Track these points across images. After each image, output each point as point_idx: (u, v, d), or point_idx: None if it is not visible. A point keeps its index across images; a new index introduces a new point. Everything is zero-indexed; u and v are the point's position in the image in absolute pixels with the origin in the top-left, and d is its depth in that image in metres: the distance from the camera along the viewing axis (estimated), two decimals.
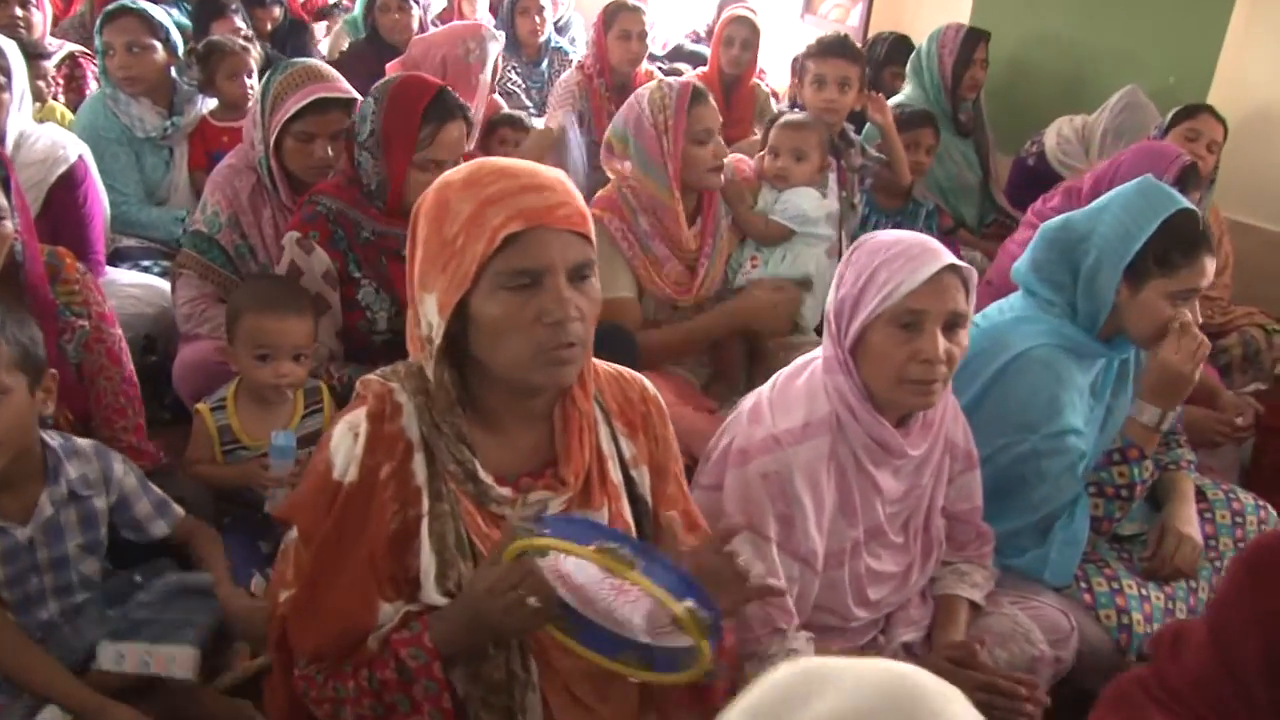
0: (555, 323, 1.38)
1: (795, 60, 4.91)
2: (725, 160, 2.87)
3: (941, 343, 1.80)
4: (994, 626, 2.09)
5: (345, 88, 2.74)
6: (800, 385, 1.94)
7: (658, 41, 5.72)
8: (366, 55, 4.61)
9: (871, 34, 5.73)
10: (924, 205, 3.91)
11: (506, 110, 4.23)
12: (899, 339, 1.81)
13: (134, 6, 3.47)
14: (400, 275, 2.41)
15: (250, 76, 3.62)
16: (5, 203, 1.93)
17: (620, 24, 4.32)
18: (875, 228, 3.81)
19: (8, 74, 2.83)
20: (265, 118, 2.71)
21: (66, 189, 2.95)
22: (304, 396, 2.31)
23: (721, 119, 2.87)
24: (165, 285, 3.08)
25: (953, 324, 1.82)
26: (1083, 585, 2.25)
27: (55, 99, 3.89)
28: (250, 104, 3.61)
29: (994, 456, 2.21)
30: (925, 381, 1.81)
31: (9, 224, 1.93)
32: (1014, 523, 2.24)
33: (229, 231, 2.76)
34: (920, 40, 4.82)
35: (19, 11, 3.96)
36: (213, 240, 2.76)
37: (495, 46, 3.54)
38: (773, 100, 4.96)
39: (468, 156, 3.53)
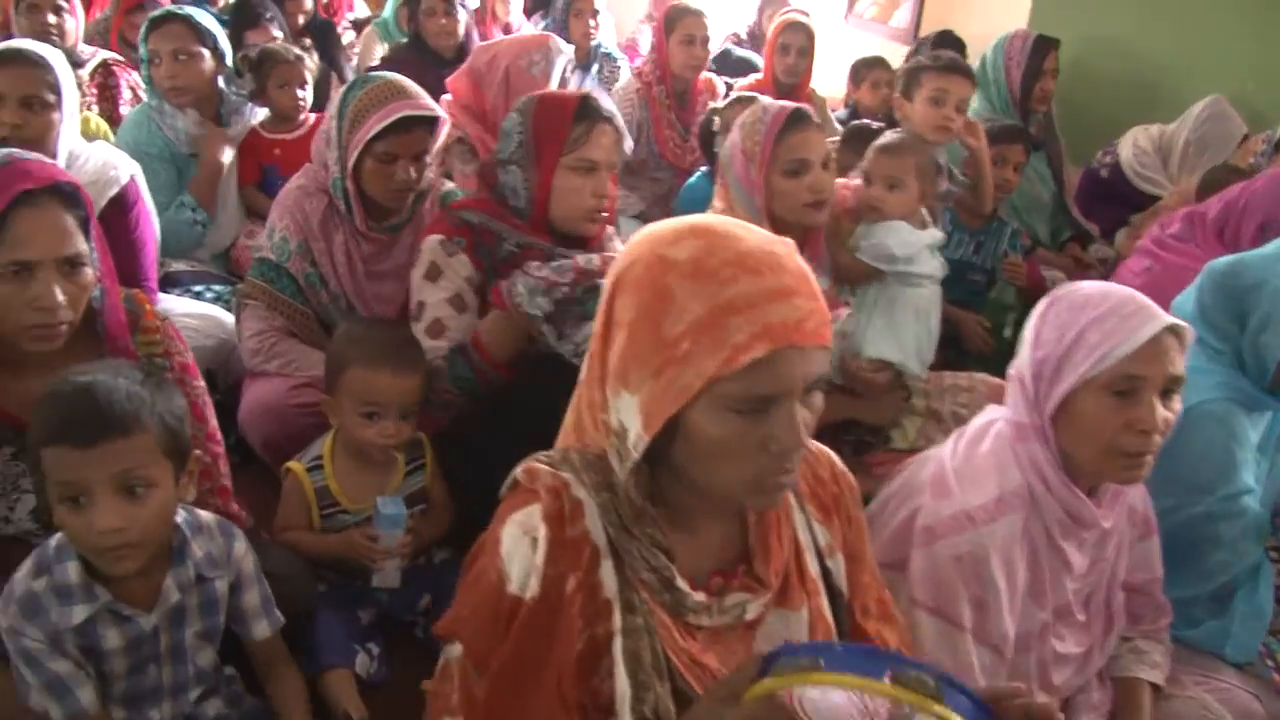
0: (782, 451, 1.18)
1: (855, 68, 4.73)
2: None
3: (1160, 411, 1.60)
4: (1181, 712, 1.89)
5: (430, 104, 2.52)
6: (987, 453, 1.73)
7: (611, 32, 5.54)
8: (410, 61, 4.36)
9: (920, 36, 5.55)
10: (1008, 224, 3.69)
11: None
12: (1111, 406, 1.61)
13: (180, 13, 3.24)
14: None
15: (303, 88, 3.39)
16: (85, 248, 1.70)
17: (683, 29, 4.10)
18: (959, 248, 3.61)
19: (57, 90, 2.59)
20: (343, 137, 2.48)
21: (118, 213, 2.72)
22: (405, 451, 2.08)
23: (827, 148, 2.64)
24: (223, 314, 2.86)
25: (1169, 389, 1.62)
26: (1269, 663, 2.04)
27: (89, 109, 3.65)
28: (301, 115, 3.41)
29: (1163, 519, 1.99)
30: (1138, 454, 1.62)
31: (90, 272, 1.71)
32: (1187, 591, 2.04)
33: (299, 259, 2.54)
34: (974, 44, 4.63)
35: (51, 18, 3.72)
36: (281, 269, 2.54)
37: (561, 59, 3.31)
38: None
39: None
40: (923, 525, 1.69)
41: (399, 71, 4.26)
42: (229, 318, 2.84)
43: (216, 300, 3.06)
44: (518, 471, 1.31)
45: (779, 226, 2.59)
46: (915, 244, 2.84)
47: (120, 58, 4.07)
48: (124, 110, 3.95)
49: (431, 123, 2.51)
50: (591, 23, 4.82)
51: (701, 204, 3.80)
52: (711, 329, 1.14)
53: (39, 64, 2.55)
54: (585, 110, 2.28)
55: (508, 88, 3.29)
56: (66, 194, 1.68)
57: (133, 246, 2.76)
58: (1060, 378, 1.63)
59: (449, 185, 2.78)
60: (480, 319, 2.29)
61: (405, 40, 4.75)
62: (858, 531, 1.47)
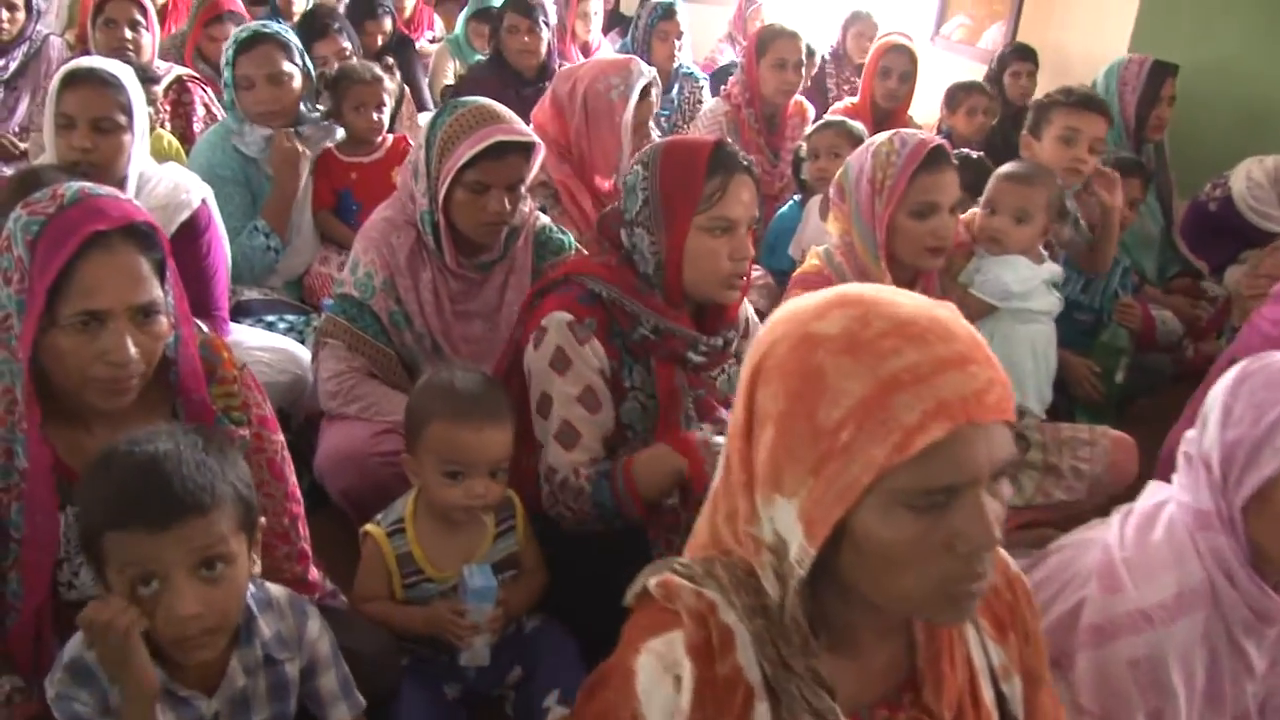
0: (972, 552, 0.99)
1: (951, 92, 4.52)
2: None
3: None
4: None
5: (524, 130, 2.36)
6: (1161, 542, 1.53)
7: (688, 51, 5.39)
8: (490, 81, 4.24)
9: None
10: (1119, 262, 3.46)
11: None
12: None
13: (268, 32, 3.12)
14: (669, 380, 2.02)
15: (381, 110, 3.25)
16: (160, 294, 1.55)
17: (775, 52, 3.92)
18: (1065, 285, 3.37)
19: (128, 111, 2.48)
20: (432, 166, 2.33)
21: (188, 239, 2.60)
22: (494, 511, 1.91)
23: (959, 192, 2.44)
24: (297, 348, 2.72)
25: None
26: None
27: (162, 126, 3.55)
28: (384, 140, 3.27)
29: None
30: None
31: (165, 320, 1.56)
32: None
33: (383, 296, 2.38)
34: (1077, 65, 4.40)
35: (128, 33, 3.64)
36: (364, 306, 2.38)
37: (641, 81, 3.13)
38: None
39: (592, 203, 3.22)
40: (1091, 623, 1.49)
41: (478, 92, 4.17)
42: (303, 352, 2.70)
43: (289, 331, 2.92)
44: (650, 582, 1.12)
45: (892, 265, 2.42)
46: (1033, 279, 2.67)
47: (195, 74, 3.98)
48: (198, 128, 3.85)
49: (527, 150, 2.35)
50: (676, 43, 4.66)
51: (790, 231, 3.64)
52: (876, 410, 0.95)
53: (110, 83, 2.43)
54: (719, 160, 1.94)
55: (587, 113, 3.15)
56: (142, 235, 1.53)
57: (203, 274, 2.63)
58: (1257, 464, 1.43)
59: (543, 219, 2.61)
60: (613, 411, 2.02)
61: (482, 58, 4.60)
62: (1036, 649, 1.25)
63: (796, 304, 1.08)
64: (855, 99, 4.43)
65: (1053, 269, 2.75)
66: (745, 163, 1.99)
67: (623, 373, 2.02)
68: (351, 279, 2.41)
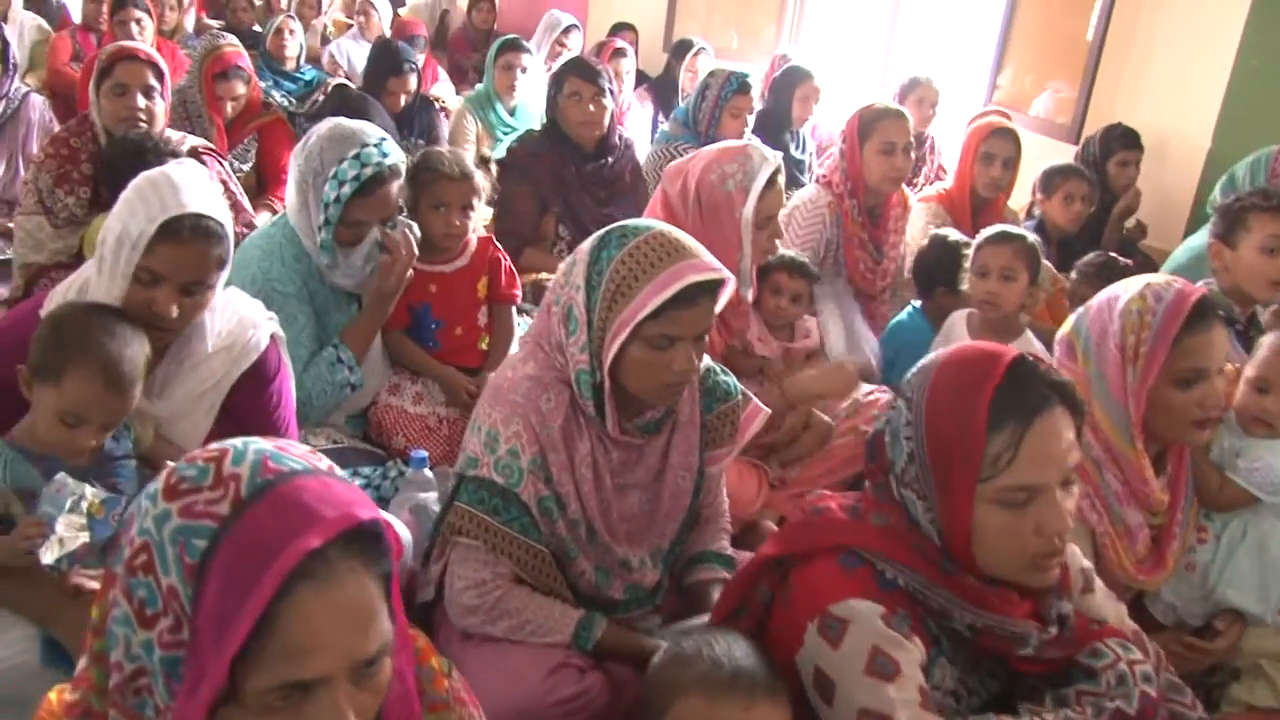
0: None
1: (1047, 176, 4.09)
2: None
3: None
4: None
5: (714, 263, 1.84)
6: None
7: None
8: (546, 155, 3.73)
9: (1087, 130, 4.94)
10: None
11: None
12: None
13: (394, 166, 2.50)
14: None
15: (467, 214, 2.70)
16: (388, 628, 0.99)
17: (881, 135, 3.44)
18: None
19: (225, 262, 1.95)
20: (596, 313, 1.80)
21: (253, 388, 2.07)
22: None
23: (1228, 347, 1.99)
24: (395, 526, 2.16)
25: None
26: None
27: None
28: (467, 244, 2.74)
29: None
30: None
31: (389, 665, 1.01)
32: None
33: (533, 480, 1.83)
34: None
35: (141, 101, 3.05)
36: (510, 495, 1.83)
37: (766, 170, 2.62)
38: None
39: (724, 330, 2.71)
40: None
41: (534, 168, 3.69)
42: (401, 529, 2.15)
43: (366, 488, 2.37)
44: None
45: (1150, 438, 1.97)
46: None
47: (210, 145, 3.40)
48: None
49: (715, 288, 1.84)
50: (749, 119, 4.18)
51: (917, 346, 3.16)
52: None
53: (214, 234, 1.89)
54: (1006, 405, 1.42)
55: (701, 210, 2.63)
56: (369, 540, 0.99)
57: (272, 430, 2.10)
58: None
59: (705, 360, 2.10)
60: None
61: (535, 129, 4.07)
62: None
63: None
64: (945, 184, 3.98)
65: None
66: (1046, 394, 1.44)
67: (937, 662, 1.50)
68: (489, 458, 1.86)
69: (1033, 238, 2.96)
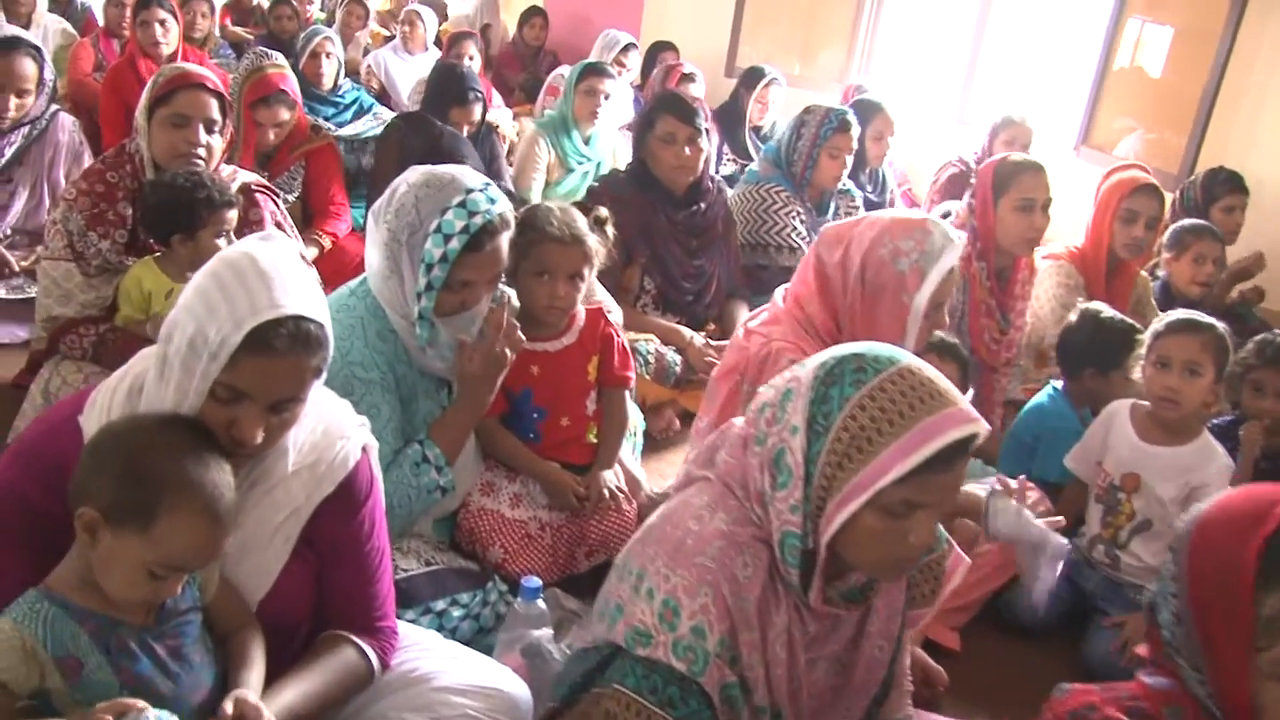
0: None
1: (1177, 234, 3.71)
2: None
3: None
4: None
5: (973, 413, 1.44)
6: None
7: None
8: (636, 201, 3.33)
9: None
10: None
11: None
12: None
13: (504, 216, 2.08)
14: None
15: (575, 284, 2.30)
16: None
17: (1020, 189, 3.06)
18: None
19: (321, 369, 1.53)
20: (825, 469, 1.41)
21: (342, 514, 1.64)
22: None
23: None
24: (504, 677, 1.77)
25: None
26: None
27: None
28: (574, 318, 2.34)
29: None
30: None
31: None
32: None
33: (718, 666, 1.44)
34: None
35: (203, 136, 2.64)
36: (690, 684, 1.43)
37: (949, 256, 2.23)
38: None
39: None
40: None
41: (623, 214, 3.26)
42: (520, 689, 1.75)
43: (465, 618, 1.98)
44: None
45: None
46: None
47: (263, 182, 3.00)
48: None
49: (971, 442, 1.45)
50: (848, 159, 3.78)
51: (1062, 434, 2.79)
52: None
53: (313, 342, 1.48)
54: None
55: (864, 288, 2.23)
56: None
57: (364, 565, 1.68)
58: None
59: None
60: None
61: (618, 170, 3.67)
62: None
63: None
64: (1075, 243, 3.57)
65: None
66: None
67: None
68: (666, 635, 1.45)
69: (1222, 327, 2.56)
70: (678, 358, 3.32)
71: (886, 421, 1.40)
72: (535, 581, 1.95)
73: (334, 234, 3.81)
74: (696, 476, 1.65)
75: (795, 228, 3.77)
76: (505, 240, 2.07)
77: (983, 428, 1.44)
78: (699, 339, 3.39)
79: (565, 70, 5.53)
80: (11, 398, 2.74)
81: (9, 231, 3.41)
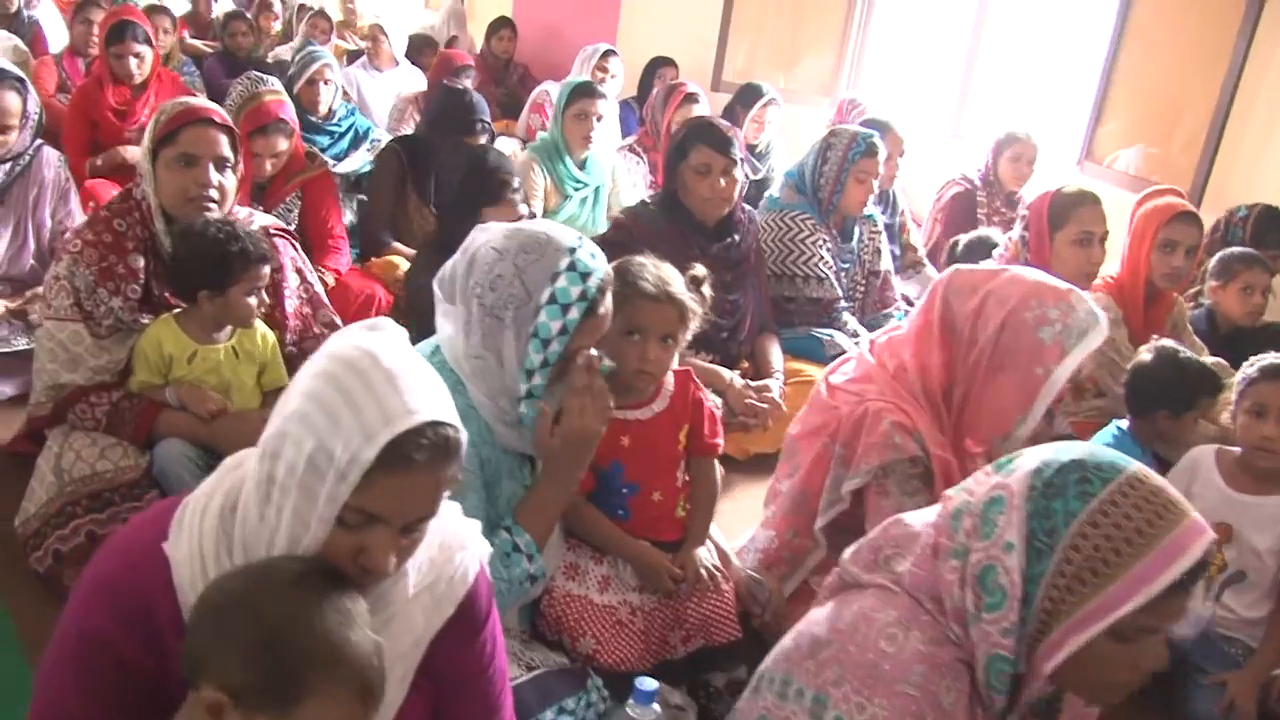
0: None
1: (1225, 262, 3.60)
2: None
3: None
4: None
5: (1203, 523, 1.32)
6: None
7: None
8: (667, 232, 3.16)
9: (1208, 198, 4.49)
10: None
11: None
12: None
13: (605, 284, 1.85)
14: None
15: (670, 347, 2.12)
16: None
17: (1078, 222, 3.01)
18: None
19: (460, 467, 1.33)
20: (1052, 591, 1.28)
21: (463, 638, 1.44)
22: None
23: None
24: None
25: None
26: None
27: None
28: (663, 383, 2.17)
29: None
30: None
31: None
32: None
33: None
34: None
35: (214, 176, 2.42)
36: None
37: (1095, 336, 2.07)
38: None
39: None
40: None
41: (656, 245, 3.04)
42: None
43: None
44: None
45: None
46: None
47: (284, 226, 2.79)
48: (290, 306, 2.66)
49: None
50: (874, 184, 3.65)
51: None
52: None
53: (452, 450, 1.30)
54: None
55: (997, 347, 2.07)
56: None
57: (487, 695, 1.51)
58: None
59: None
60: None
61: (646, 202, 3.48)
62: None
63: None
64: (1111, 273, 3.47)
65: None
66: None
67: None
68: None
69: None
70: (718, 400, 3.15)
71: (1124, 540, 1.26)
72: (651, 684, 1.76)
73: (336, 270, 3.58)
74: (866, 582, 1.49)
75: (823, 257, 3.63)
76: (610, 300, 1.87)
77: (1213, 537, 1.31)
78: (739, 380, 3.23)
79: (550, 87, 5.34)
80: (12, 466, 2.53)
81: None
